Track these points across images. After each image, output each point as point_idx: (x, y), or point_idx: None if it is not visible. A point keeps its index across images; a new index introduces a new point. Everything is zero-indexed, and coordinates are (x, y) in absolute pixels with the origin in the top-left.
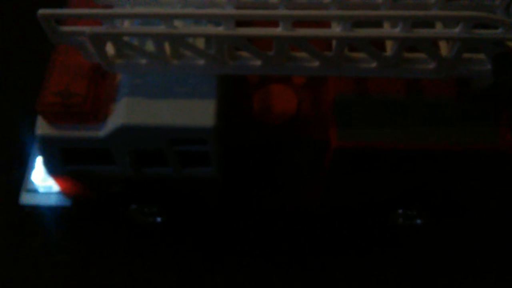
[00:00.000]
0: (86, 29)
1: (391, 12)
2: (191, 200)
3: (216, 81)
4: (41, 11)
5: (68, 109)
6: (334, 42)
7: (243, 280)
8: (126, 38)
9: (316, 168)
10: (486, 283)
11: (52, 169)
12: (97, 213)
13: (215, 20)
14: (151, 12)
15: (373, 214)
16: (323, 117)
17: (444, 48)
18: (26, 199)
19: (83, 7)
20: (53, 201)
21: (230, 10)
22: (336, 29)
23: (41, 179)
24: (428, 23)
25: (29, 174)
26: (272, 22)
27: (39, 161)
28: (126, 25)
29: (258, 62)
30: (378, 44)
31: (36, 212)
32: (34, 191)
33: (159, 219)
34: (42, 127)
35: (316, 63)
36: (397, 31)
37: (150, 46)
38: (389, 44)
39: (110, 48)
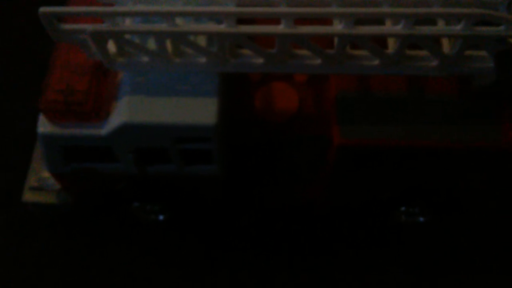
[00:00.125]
0: (88, 27)
1: (393, 9)
2: (193, 198)
3: (218, 79)
4: (42, 9)
5: (70, 107)
6: (336, 40)
7: (245, 278)
8: (127, 36)
9: (319, 166)
10: (490, 280)
11: (54, 167)
12: (99, 211)
13: (217, 17)
14: (153, 9)
15: (375, 212)
16: (325, 115)
17: (446, 46)
18: (28, 197)
19: (83, 5)
20: (55, 199)
21: (232, 8)
22: (338, 27)
23: (43, 177)
24: (430, 20)
25: (32, 172)
26: (273, 19)
27: (41, 159)
28: (128, 23)
29: (260, 60)
30: (380, 41)
31: (38, 210)
32: (37, 189)
33: (161, 217)
34: (44, 125)
35: (318, 61)
36: (399, 28)
37: (151, 44)
38: (391, 42)
39: (111, 46)
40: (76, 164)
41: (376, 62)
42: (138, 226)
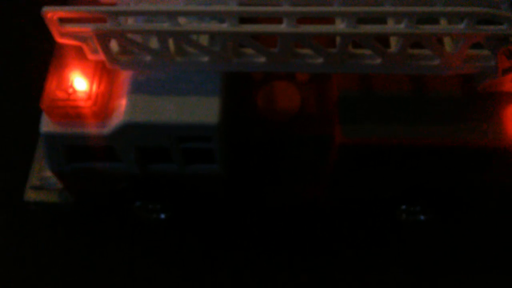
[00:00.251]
0: (91, 26)
1: (396, 8)
2: (195, 197)
3: (220, 78)
4: (45, 9)
5: (72, 106)
6: (338, 39)
7: (246, 278)
8: (130, 35)
9: (320, 165)
10: (490, 280)
11: (56, 166)
12: (100, 210)
13: (219, 16)
14: (155, 9)
15: (376, 210)
16: (327, 114)
17: (448, 44)
18: (30, 196)
19: (84, 5)
20: (57, 198)
21: (234, 7)
22: (340, 26)
23: (45, 176)
24: (432, 19)
25: (33, 171)
26: (276, 18)
27: (43, 158)
28: (130, 22)
29: (262, 59)
30: (382, 40)
31: (39, 209)
32: (38, 188)
33: (163, 216)
34: (46, 125)
35: (320, 60)
36: (401, 27)
37: (154, 43)
38: (393, 41)
39: (114, 45)
40: (78, 163)
41: (378, 61)
42: (139, 225)
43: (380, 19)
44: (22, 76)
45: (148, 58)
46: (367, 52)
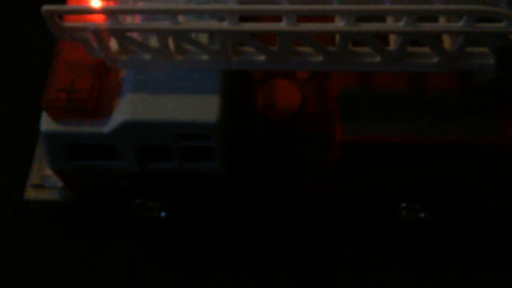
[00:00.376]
0: (90, 24)
1: (395, 6)
2: (196, 195)
3: (220, 76)
4: (45, 7)
5: (73, 105)
6: (337, 37)
7: (246, 277)
8: (129, 34)
9: (321, 163)
10: (490, 280)
11: (57, 165)
12: (100, 209)
13: (219, 15)
14: (155, 7)
15: (377, 209)
16: (328, 112)
17: (447, 42)
18: (30, 194)
19: (83, 4)
20: (57, 196)
21: (234, 5)
22: (339, 24)
23: (46, 175)
24: (431, 16)
25: (34, 170)
26: (275, 16)
27: (43, 157)
28: (130, 20)
29: (262, 57)
30: (381, 38)
31: (40, 207)
32: (39, 186)
33: (163, 214)
34: (46, 123)
35: (320, 58)
36: (401, 25)
37: (153, 41)
38: (392, 38)
39: (113, 44)
40: (78, 161)
41: (378, 59)
42: (139, 225)
43: (380, 17)
44: (22, 76)
45: (147, 56)
46: (367, 50)
